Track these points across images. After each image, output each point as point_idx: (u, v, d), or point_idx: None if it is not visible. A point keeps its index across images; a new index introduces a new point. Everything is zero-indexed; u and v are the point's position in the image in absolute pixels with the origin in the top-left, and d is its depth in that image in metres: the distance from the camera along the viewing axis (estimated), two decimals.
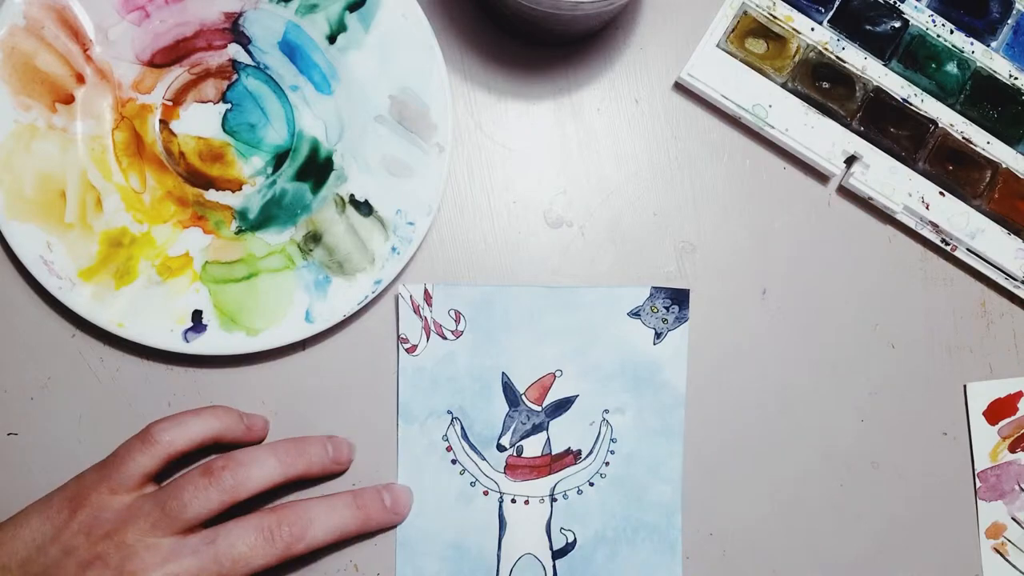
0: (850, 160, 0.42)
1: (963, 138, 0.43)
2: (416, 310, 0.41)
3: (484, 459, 0.41)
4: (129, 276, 0.39)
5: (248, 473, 0.36)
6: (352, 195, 0.40)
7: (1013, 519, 0.42)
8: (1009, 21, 0.44)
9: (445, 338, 0.41)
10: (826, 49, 0.43)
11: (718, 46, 0.42)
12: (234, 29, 0.40)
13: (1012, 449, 0.42)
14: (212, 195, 0.40)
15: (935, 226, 0.42)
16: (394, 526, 0.40)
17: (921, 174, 0.43)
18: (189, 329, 0.39)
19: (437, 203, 0.40)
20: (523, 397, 0.41)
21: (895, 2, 0.44)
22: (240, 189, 0.41)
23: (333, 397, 0.41)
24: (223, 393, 0.40)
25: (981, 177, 0.43)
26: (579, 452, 0.41)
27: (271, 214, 0.40)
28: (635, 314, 0.41)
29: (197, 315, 0.39)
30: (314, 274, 0.40)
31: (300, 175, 0.41)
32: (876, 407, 0.42)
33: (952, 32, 0.44)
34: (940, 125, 0.43)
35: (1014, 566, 0.42)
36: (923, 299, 0.43)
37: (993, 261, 0.42)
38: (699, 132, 0.43)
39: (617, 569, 0.41)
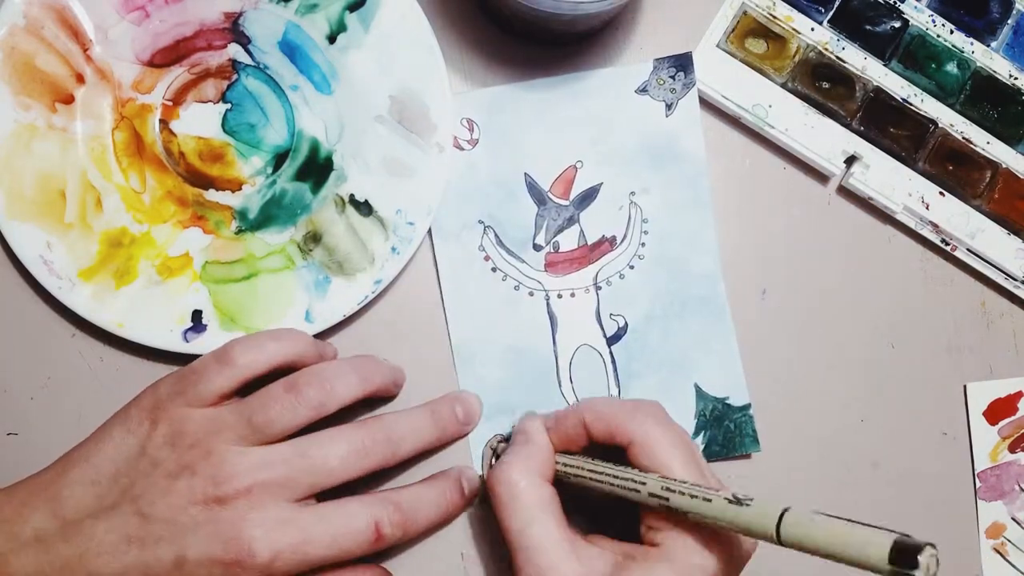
0: (850, 160, 0.42)
1: (963, 138, 0.43)
2: None
3: (523, 261, 0.41)
4: (129, 276, 0.39)
5: (333, 389, 0.36)
6: (352, 195, 0.40)
7: (1013, 519, 0.42)
8: (1009, 21, 0.44)
9: (462, 149, 0.41)
10: (826, 49, 0.43)
11: (718, 46, 0.42)
12: (234, 29, 0.40)
13: (1012, 449, 0.42)
14: (212, 195, 0.40)
15: (935, 226, 0.42)
16: (462, 436, 0.40)
17: (921, 174, 0.43)
18: (189, 329, 0.39)
19: (437, 203, 0.40)
20: (549, 194, 0.41)
21: (895, 2, 0.44)
22: (240, 189, 0.41)
23: None
24: None
25: (981, 177, 0.43)
26: (614, 238, 0.42)
27: (271, 214, 0.40)
28: (643, 90, 0.42)
29: (197, 315, 0.39)
30: (314, 274, 0.40)
31: (300, 175, 0.41)
32: (876, 407, 0.42)
33: (952, 32, 0.44)
34: (940, 125, 0.43)
35: (1014, 566, 0.42)
36: (923, 299, 0.43)
37: (993, 261, 0.42)
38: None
39: (671, 345, 0.41)
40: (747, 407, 0.41)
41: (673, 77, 0.42)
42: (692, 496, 0.31)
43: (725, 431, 0.41)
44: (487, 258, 0.41)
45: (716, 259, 0.42)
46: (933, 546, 0.26)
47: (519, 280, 0.41)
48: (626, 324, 0.41)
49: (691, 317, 0.41)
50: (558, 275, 0.41)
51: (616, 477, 0.34)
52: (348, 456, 0.35)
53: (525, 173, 0.41)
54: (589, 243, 0.42)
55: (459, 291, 0.41)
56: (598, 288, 0.41)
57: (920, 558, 0.26)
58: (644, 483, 0.33)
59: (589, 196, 0.42)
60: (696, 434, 0.41)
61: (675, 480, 0.32)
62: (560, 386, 0.41)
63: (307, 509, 0.34)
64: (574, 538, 0.34)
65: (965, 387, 0.43)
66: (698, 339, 0.41)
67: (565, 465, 0.36)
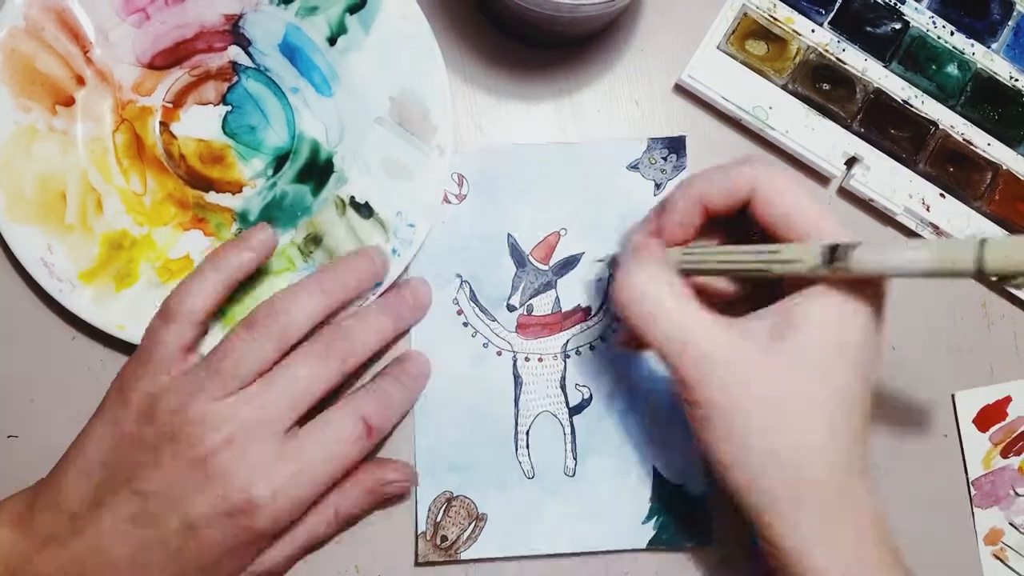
0: (851, 162, 0.42)
1: (964, 140, 0.43)
2: None
3: (495, 320, 0.41)
4: (130, 278, 0.39)
5: (292, 315, 0.35)
6: (352, 197, 0.40)
7: (1011, 524, 0.42)
8: (1009, 23, 0.44)
9: (449, 202, 0.41)
10: (826, 51, 0.43)
11: (718, 48, 0.42)
12: (234, 31, 0.40)
13: (1004, 454, 0.42)
14: (212, 197, 0.40)
15: (935, 227, 0.42)
16: (419, 320, 0.40)
17: (922, 176, 0.43)
18: None
19: (438, 205, 0.40)
20: (530, 257, 0.41)
21: (895, 4, 0.44)
22: (240, 191, 0.41)
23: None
24: None
25: (982, 179, 0.43)
26: (588, 309, 0.41)
27: (271, 216, 0.40)
28: (634, 167, 0.42)
29: None
30: None
31: (300, 177, 0.41)
32: (876, 409, 0.42)
33: (953, 34, 0.44)
34: (941, 127, 0.43)
35: (1015, 571, 0.42)
36: (923, 300, 0.43)
37: None
38: (699, 134, 0.43)
39: (634, 423, 0.41)
40: (704, 496, 0.40)
41: (665, 158, 0.42)
42: (863, 261, 0.28)
43: (678, 518, 0.40)
44: (459, 312, 0.41)
45: None
46: None
47: (488, 338, 0.41)
48: (591, 396, 0.41)
49: (658, 398, 0.41)
50: (528, 338, 0.41)
51: (752, 254, 0.32)
52: (314, 367, 0.35)
53: (508, 233, 0.41)
54: (563, 310, 0.41)
55: (428, 342, 0.41)
56: (566, 356, 0.41)
57: None
58: (800, 259, 0.30)
59: (569, 264, 0.41)
60: (649, 518, 0.40)
61: (833, 245, 0.29)
62: (516, 451, 0.40)
63: (293, 438, 0.34)
64: (721, 318, 0.32)
65: (953, 396, 0.42)
66: (662, 422, 0.41)
67: (686, 256, 0.34)
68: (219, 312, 0.39)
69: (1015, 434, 0.42)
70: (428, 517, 0.40)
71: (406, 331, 0.40)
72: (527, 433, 0.41)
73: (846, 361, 0.31)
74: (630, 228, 0.38)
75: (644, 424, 0.41)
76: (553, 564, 0.40)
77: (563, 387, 0.41)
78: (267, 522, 0.34)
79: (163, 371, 0.35)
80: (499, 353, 0.41)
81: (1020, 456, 0.42)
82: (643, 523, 0.40)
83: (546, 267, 0.41)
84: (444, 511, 0.40)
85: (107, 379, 0.40)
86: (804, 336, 0.30)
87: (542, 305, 0.41)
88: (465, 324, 0.41)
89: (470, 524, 0.40)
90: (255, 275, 0.40)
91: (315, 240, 0.40)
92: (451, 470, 0.40)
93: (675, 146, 0.42)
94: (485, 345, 0.41)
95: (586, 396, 0.41)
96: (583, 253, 0.42)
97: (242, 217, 0.40)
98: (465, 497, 0.40)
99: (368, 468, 0.38)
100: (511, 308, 0.41)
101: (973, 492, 0.42)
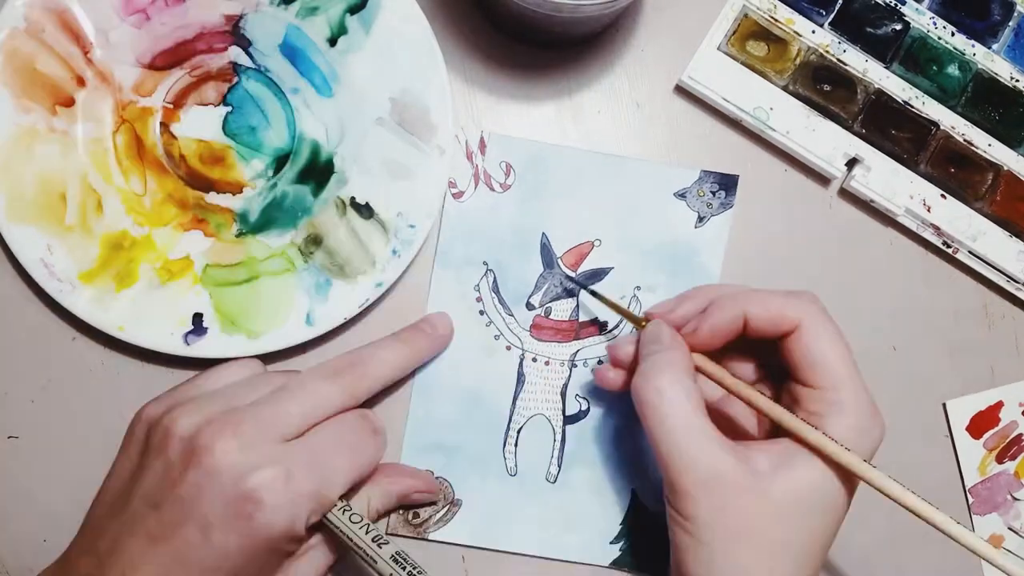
0: (851, 163, 0.42)
1: (965, 140, 0.43)
2: (468, 156, 0.41)
3: (511, 315, 0.41)
4: (130, 279, 0.39)
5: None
6: (353, 198, 0.40)
7: (1010, 528, 0.42)
8: (1010, 23, 0.44)
9: (493, 189, 0.41)
10: (827, 52, 0.43)
11: (719, 49, 0.42)
12: (235, 32, 0.40)
13: (999, 460, 0.42)
14: (213, 198, 0.40)
15: (936, 228, 0.42)
16: (443, 349, 0.41)
17: (923, 176, 0.43)
18: (190, 332, 0.39)
19: (438, 205, 0.40)
20: (559, 260, 0.41)
21: (896, 4, 0.43)
22: (241, 192, 0.41)
23: None
24: None
25: (983, 179, 0.43)
26: (605, 324, 0.41)
27: (272, 217, 0.40)
28: (681, 195, 0.42)
29: (198, 318, 0.39)
30: (315, 277, 0.40)
31: (301, 178, 0.41)
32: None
33: (953, 34, 0.44)
34: (942, 127, 0.43)
35: None
36: (924, 301, 0.43)
37: (995, 264, 0.42)
38: (700, 135, 0.43)
39: (626, 444, 0.41)
40: None
41: (714, 193, 0.42)
42: None
43: (646, 546, 0.40)
44: (478, 299, 0.41)
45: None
46: None
47: (501, 331, 0.41)
48: (588, 409, 0.41)
49: None
50: (540, 340, 0.41)
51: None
52: (328, 388, 0.36)
53: (543, 233, 0.41)
54: (580, 320, 0.41)
55: None
56: (573, 365, 0.41)
57: None
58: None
59: (596, 276, 0.41)
60: (617, 539, 0.40)
61: None
62: (504, 446, 0.41)
63: (297, 441, 0.34)
64: (727, 441, 0.33)
65: (944, 405, 0.42)
66: (650, 451, 0.40)
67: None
68: (219, 314, 0.39)
69: (1008, 439, 0.42)
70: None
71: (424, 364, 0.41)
72: (518, 432, 0.41)
73: (822, 519, 0.33)
74: (653, 323, 0.37)
75: (634, 447, 0.41)
76: (507, 562, 0.40)
77: (563, 395, 0.41)
78: (278, 518, 0.32)
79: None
80: (508, 348, 0.41)
81: (1015, 460, 0.42)
82: (611, 543, 0.40)
83: (573, 274, 0.41)
84: None
85: (107, 379, 0.40)
86: (795, 484, 0.32)
87: (561, 310, 0.41)
88: (481, 312, 0.41)
89: (444, 507, 0.40)
90: (254, 275, 0.40)
91: (316, 241, 0.40)
92: (437, 449, 0.40)
93: (727, 183, 0.42)
94: (496, 337, 0.41)
95: (584, 408, 0.41)
96: (612, 268, 0.41)
97: (242, 218, 0.40)
98: (444, 479, 0.40)
99: (400, 478, 0.39)
100: (530, 307, 0.41)
101: (971, 500, 0.42)
